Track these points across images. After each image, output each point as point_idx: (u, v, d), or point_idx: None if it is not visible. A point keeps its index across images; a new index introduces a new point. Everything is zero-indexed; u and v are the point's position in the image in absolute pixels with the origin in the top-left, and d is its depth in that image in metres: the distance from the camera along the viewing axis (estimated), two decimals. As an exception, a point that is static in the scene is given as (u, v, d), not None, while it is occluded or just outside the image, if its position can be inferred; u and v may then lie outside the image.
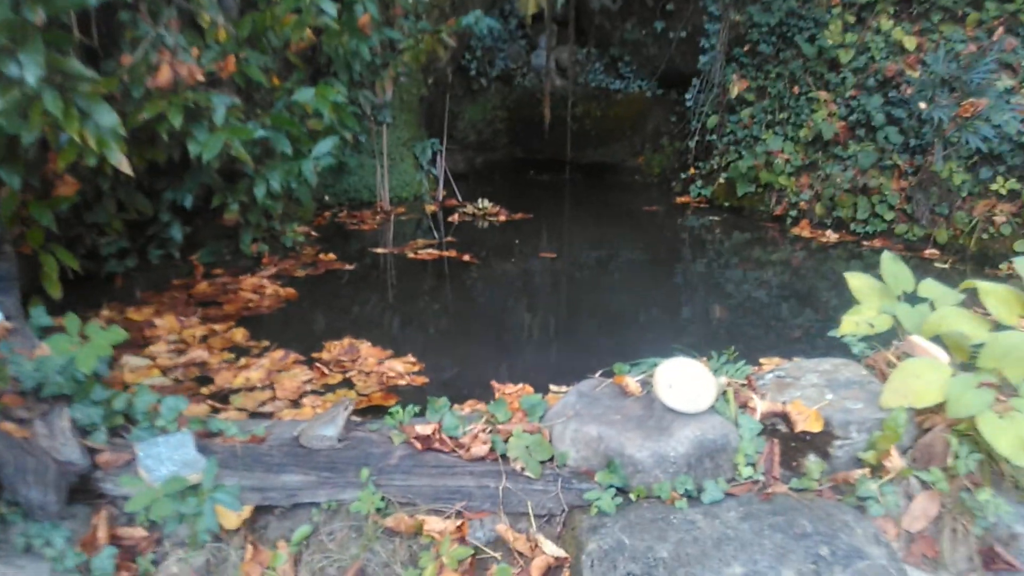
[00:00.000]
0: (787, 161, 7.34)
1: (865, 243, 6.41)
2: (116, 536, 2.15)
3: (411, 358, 3.57)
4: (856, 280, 2.92)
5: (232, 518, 2.18)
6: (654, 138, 10.45)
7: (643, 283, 5.43)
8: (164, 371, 3.35)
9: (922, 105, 6.23)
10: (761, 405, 2.44)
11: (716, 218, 7.68)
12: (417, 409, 2.59)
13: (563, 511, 2.21)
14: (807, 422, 2.33)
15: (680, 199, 8.63)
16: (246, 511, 2.21)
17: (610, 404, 2.50)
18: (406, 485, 2.27)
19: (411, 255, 5.77)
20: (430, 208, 7.92)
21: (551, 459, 2.33)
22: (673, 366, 2.36)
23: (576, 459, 2.32)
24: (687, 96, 9.33)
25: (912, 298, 2.82)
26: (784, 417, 2.40)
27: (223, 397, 3.12)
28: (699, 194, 8.47)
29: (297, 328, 4.18)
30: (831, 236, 6.61)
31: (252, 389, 3.19)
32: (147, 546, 2.15)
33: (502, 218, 7.36)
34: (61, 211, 3.67)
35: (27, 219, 3.49)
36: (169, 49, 3.76)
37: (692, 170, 9.00)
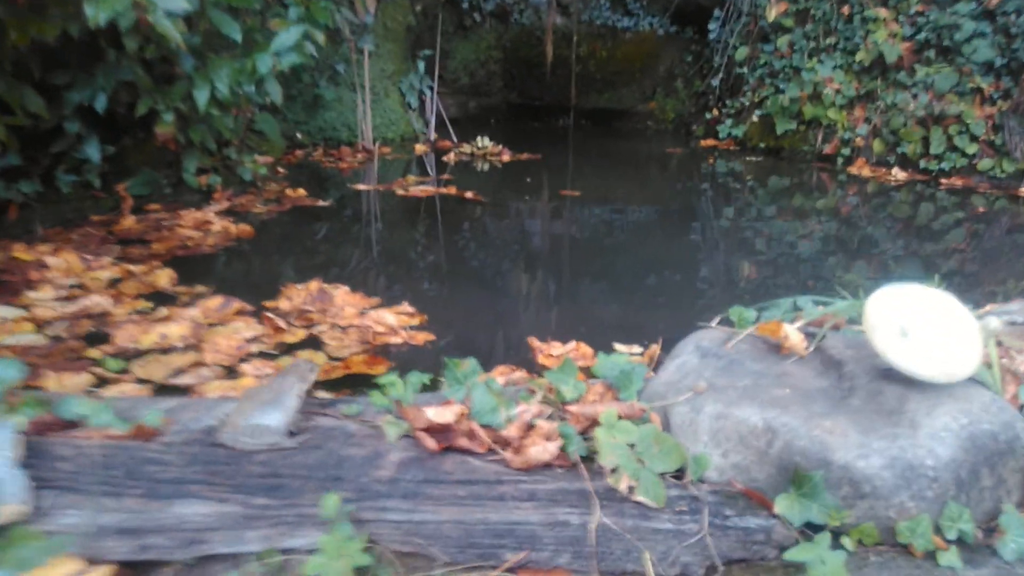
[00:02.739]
0: (838, 92, 6.27)
1: (943, 182, 5.37)
2: None
3: (407, 308, 2.49)
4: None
5: (70, 593, 1.11)
6: (667, 81, 9.32)
7: (677, 227, 4.37)
8: (41, 325, 2.25)
9: (1014, 16, 5.17)
10: None
11: (754, 159, 6.62)
12: (427, 379, 1.51)
13: (715, 571, 1.16)
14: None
15: (706, 141, 7.56)
16: (102, 575, 1.14)
17: (761, 369, 1.44)
18: (411, 521, 1.21)
19: (400, 192, 4.66)
20: (420, 148, 6.79)
21: (678, 470, 1.27)
22: (906, 298, 1.30)
23: (725, 469, 1.27)
24: (710, 28, 8.22)
25: None
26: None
27: (122, 362, 2.03)
28: (728, 135, 7.40)
29: (248, 272, 3.09)
30: (898, 175, 5.57)
31: (168, 350, 2.11)
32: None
33: (505, 158, 6.26)
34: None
35: None
36: None
37: (716, 111, 7.92)
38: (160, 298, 2.56)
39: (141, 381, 1.92)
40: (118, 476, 1.27)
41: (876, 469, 1.12)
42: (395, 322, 2.32)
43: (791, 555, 1.06)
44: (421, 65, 7.15)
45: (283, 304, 2.49)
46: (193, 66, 3.49)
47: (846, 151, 6.15)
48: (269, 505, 1.23)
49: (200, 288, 2.64)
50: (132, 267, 2.81)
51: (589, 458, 1.33)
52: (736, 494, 1.23)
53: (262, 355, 2.11)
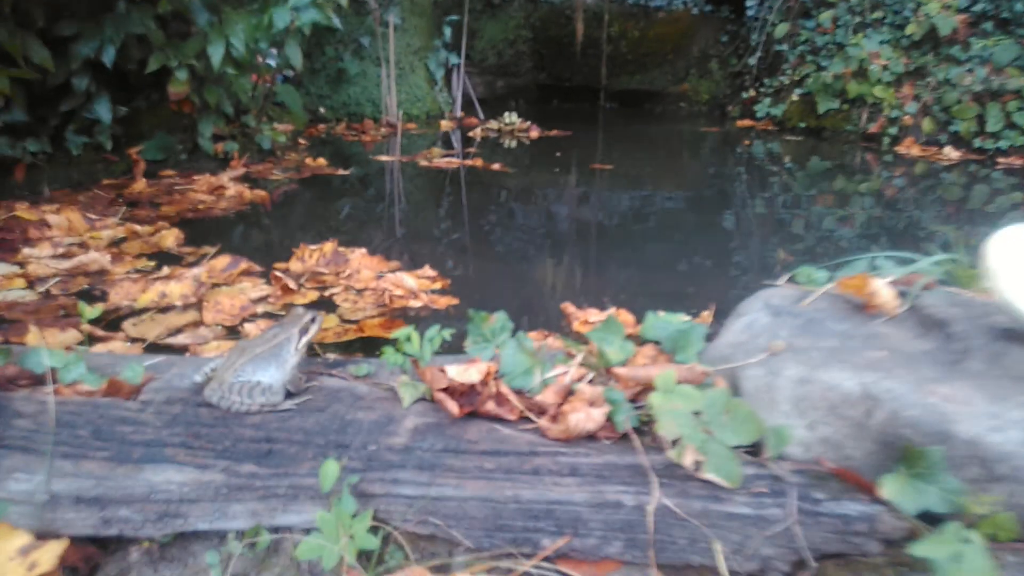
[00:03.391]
0: (885, 68, 5.93)
1: (1000, 161, 5.04)
2: None
3: (429, 271, 2.28)
4: None
5: (14, 571, 0.91)
6: (701, 62, 9.01)
7: (712, 206, 4.10)
8: (33, 281, 2.07)
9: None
10: None
11: (794, 138, 6.31)
12: (448, 335, 1.29)
13: (804, 568, 0.93)
14: None
15: (742, 122, 7.26)
16: (51, 552, 0.94)
17: (846, 329, 1.20)
18: (427, 496, 1.00)
19: (424, 163, 4.45)
20: (446, 125, 6.59)
21: (752, 444, 1.04)
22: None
23: (811, 443, 1.04)
24: (748, 5, 7.90)
25: None
26: None
27: (115, 322, 1.84)
28: (767, 114, 7.09)
29: (260, 235, 2.90)
30: (951, 154, 5.24)
31: (167, 310, 1.92)
32: None
33: (534, 135, 6.02)
34: None
35: None
36: None
37: (753, 91, 7.61)
38: (164, 258, 2.37)
39: (133, 340, 1.73)
40: (83, 436, 1.07)
41: (1016, 445, 0.88)
42: (415, 285, 2.10)
43: (921, 550, 0.83)
44: (447, 31, 6.90)
45: (295, 266, 2.29)
46: (208, 21, 3.30)
47: (893, 130, 5.82)
48: (258, 474, 1.02)
49: (207, 249, 2.45)
50: (138, 227, 2.64)
51: (640, 430, 1.11)
52: (827, 474, 1.00)
53: (268, 316, 1.91)
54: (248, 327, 1.82)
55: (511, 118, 6.31)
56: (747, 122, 7.28)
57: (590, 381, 1.27)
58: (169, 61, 3.27)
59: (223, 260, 2.24)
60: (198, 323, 1.84)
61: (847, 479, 0.98)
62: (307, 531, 1.00)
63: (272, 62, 4.42)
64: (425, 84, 7.22)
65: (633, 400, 1.17)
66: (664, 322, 1.35)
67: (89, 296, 1.99)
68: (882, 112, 5.96)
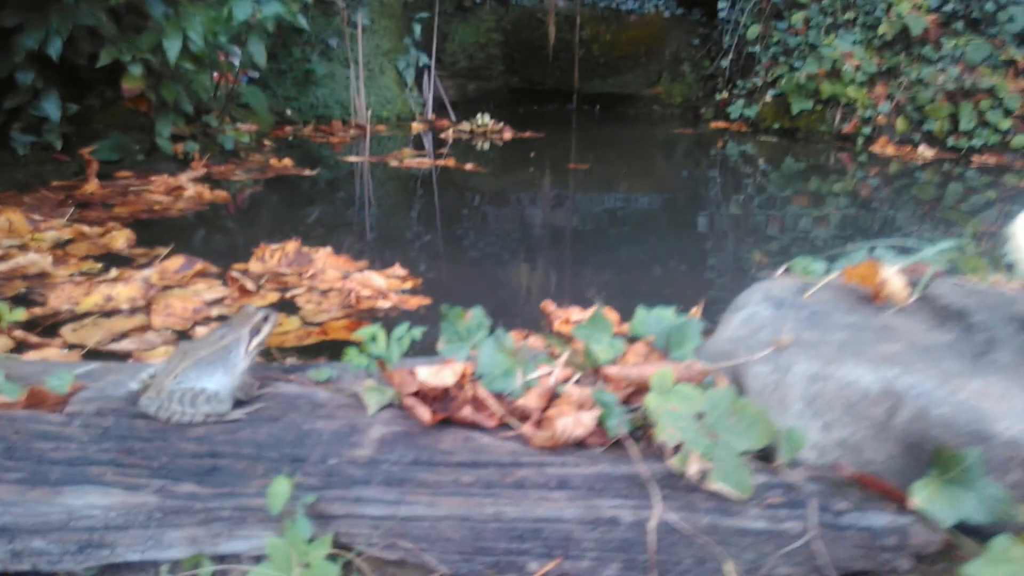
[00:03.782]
0: (858, 68, 5.93)
1: (974, 159, 5.03)
2: None
3: (399, 270, 2.14)
4: None
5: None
6: (673, 65, 9.00)
7: (686, 204, 4.03)
8: (-37, 287, 1.90)
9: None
10: None
11: (769, 139, 6.28)
12: (418, 334, 1.16)
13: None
14: None
15: (716, 124, 7.23)
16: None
17: (855, 321, 1.10)
18: (396, 516, 0.87)
19: (394, 164, 4.31)
20: (417, 127, 6.45)
21: (761, 449, 0.92)
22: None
23: (827, 447, 0.92)
24: (720, 6, 7.89)
25: None
26: None
27: (53, 327, 1.68)
28: (741, 115, 7.06)
29: (219, 236, 2.74)
30: (925, 153, 5.23)
31: (112, 314, 1.76)
32: None
33: (507, 136, 5.91)
34: None
35: None
36: None
37: (726, 93, 7.59)
38: (113, 260, 2.21)
39: (71, 347, 1.57)
40: (-6, 455, 0.93)
41: (1065, 444, 0.78)
42: (384, 285, 1.97)
43: (974, 570, 0.72)
44: (417, 29, 6.76)
45: (255, 267, 2.14)
46: (164, 13, 3.14)
47: (867, 130, 5.81)
48: (199, 494, 0.89)
49: (161, 250, 2.29)
50: (86, 228, 2.47)
51: (634, 435, 0.99)
52: (847, 481, 0.89)
53: (223, 319, 1.76)
54: (200, 331, 1.67)
55: (483, 120, 6.20)
56: (721, 124, 7.25)
57: (576, 383, 1.15)
58: (122, 55, 3.11)
59: (177, 261, 2.09)
60: (145, 327, 1.68)
61: (871, 486, 0.87)
62: (256, 559, 0.86)
63: (235, 60, 4.26)
64: (395, 86, 7.08)
65: (626, 402, 1.05)
66: (656, 317, 1.23)
67: (25, 300, 1.82)
68: (856, 112, 5.95)
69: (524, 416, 1.05)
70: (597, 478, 0.91)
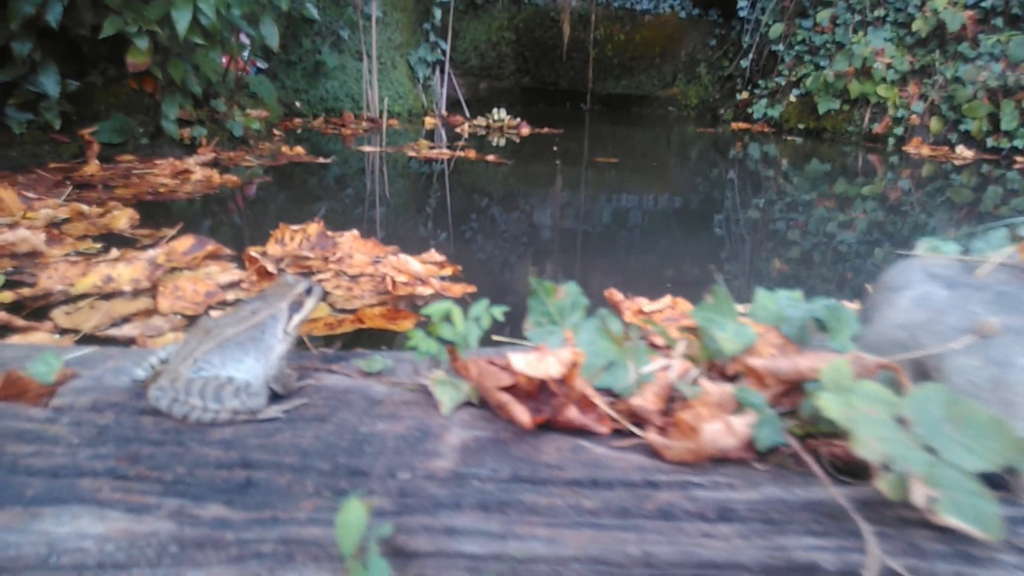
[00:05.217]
0: (889, 66, 5.71)
1: (1017, 160, 4.80)
2: None
3: (435, 256, 1.90)
4: None
5: None
6: (689, 67, 8.82)
7: (721, 199, 3.79)
8: (-57, 265, 1.66)
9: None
10: None
11: (793, 139, 6.07)
12: (500, 313, 0.92)
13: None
14: None
15: (737, 124, 7.02)
16: None
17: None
18: (505, 555, 0.62)
19: (412, 154, 4.08)
20: (431, 122, 6.23)
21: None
22: None
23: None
24: (740, 5, 7.69)
25: None
26: None
27: (43, 310, 1.43)
28: (764, 115, 6.84)
29: (232, 219, 2.50)
30: (964, 154, 5.00)
31: (112, 295, 1.52)
32: None
33: (524, 132, 5.69)
34: None
35: None
36: None
37: (746, 93, 7.38)
38: (114, 240, 1.97)
39: (63, 332, 1.33)
40: (-49, 461, 0.68)
41: None
42: (421, 270, 1.73)
43: None
44: (437, 13, 6.53)
45: (273, 250, 1.90)
46: (171, -20, 2.91)
47: (898, 130, 5.60)
48: (229, 520, 0.64)
49: (167, 231, 2.05)
50: (84, 207, 2.23)
51: (807, 440, 0.75)
52: (1119, 515, 0.65)
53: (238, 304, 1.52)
54: (216, 315, 1.43)
55: (500, 115, 5.98)
56: (741, 125, 7.05)
57: (693, 380, 0.91)
58: (127, 27, 2.87)
59: (186, 241, 1.85)
60: (151, 311, 1.44)
61: None
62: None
63: (246, 40, 4.04)
64: (407, 81, 6.87)
65: (772, 405, 0.81)
66: (789, 300, 0.99)
67: (12, 281, 1.58)
68: (886, 112, 5.74)
69: (640, 419, 0.81)
70: (770, 506, 0.67)
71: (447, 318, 0.88)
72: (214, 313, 1.43)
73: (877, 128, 5.74)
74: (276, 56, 5.85)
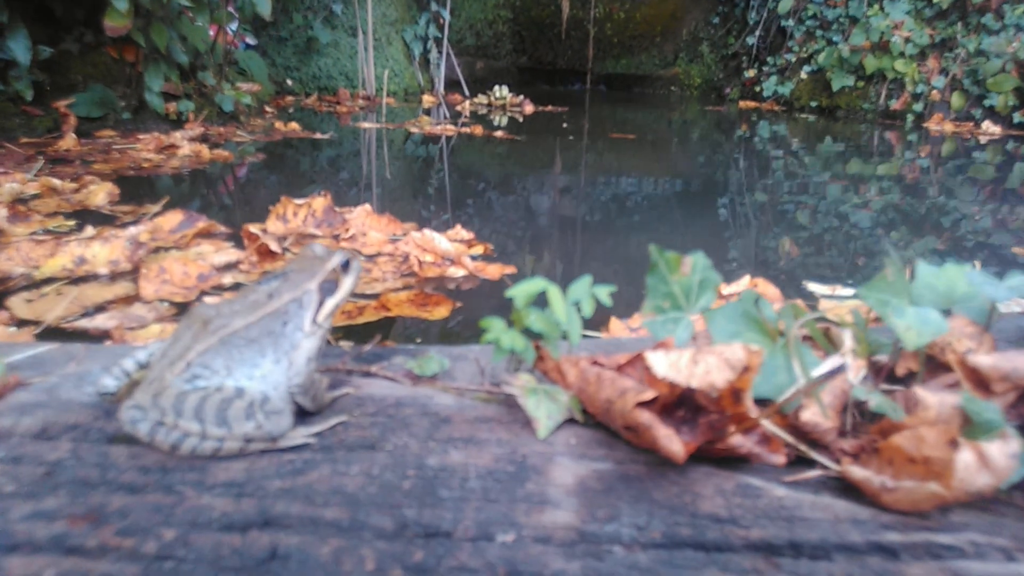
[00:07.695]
0: (907, 40, 5.48)
1: (1048, 136, 4.59)
2: None
3: (462, 232, 1.65)
4: None
5: None
6: (691, 45, 8.57)
7: (746, 173, 3.55)
8: None
9: None
10: None
11: (805, 117, 5.83)
12: (605, 295, 0.67)
13: None
14: None
15: (745, 103, 6.78)
16: None
17: None
18: None
19: (415, 130, 3.82)
20: (429, 100, 5.96)
21: None
22: None
23: None
24: (747, -21, 7.44)
25: None
26: None
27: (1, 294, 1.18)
28: (774, 93, 6.60)
29: (224, 195, 2.24)
30: (991, 129, 4.78)
31: (84, 279, 1.26)
32: None
33: (528, 110, 5.43)
34: None
35: None
36: None
37: (753, 71, 7.14)
38: (91, 217, 1.71)
39: (20, 324, 1.07)
40: None
41: None
42: (450, 249, 1.48)
43: None
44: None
45: (274, 226, 1.65)
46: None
47: (918, 107, 5.37)
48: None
49: (150, 208, 1.79)
50: (56, 182, 1.96)
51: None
52: None
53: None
54: (210, 301, 1.18)
55: (502, 92, 5.71)
56: (750, 103, 6.81)
57: (863, 380, 0.67)
58: (104, -15, 2.59)
59: (173, 218, 1.59)
60: (132, 298, 1.19)
61: None
62: None
63: (233, 10, 3.75)
64: (403, 58, 6.58)
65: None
66: (974, 278, 0.75)
67: (-34, 262, 1.32)
68: (904, 88, 5.51)
69: (815, 442, 0.57)
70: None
71: (537, 303, 0.63)
72: (210, 299, 1.18)
73: (895, 105, 5.51)
74: (266, 32, 5.56)
